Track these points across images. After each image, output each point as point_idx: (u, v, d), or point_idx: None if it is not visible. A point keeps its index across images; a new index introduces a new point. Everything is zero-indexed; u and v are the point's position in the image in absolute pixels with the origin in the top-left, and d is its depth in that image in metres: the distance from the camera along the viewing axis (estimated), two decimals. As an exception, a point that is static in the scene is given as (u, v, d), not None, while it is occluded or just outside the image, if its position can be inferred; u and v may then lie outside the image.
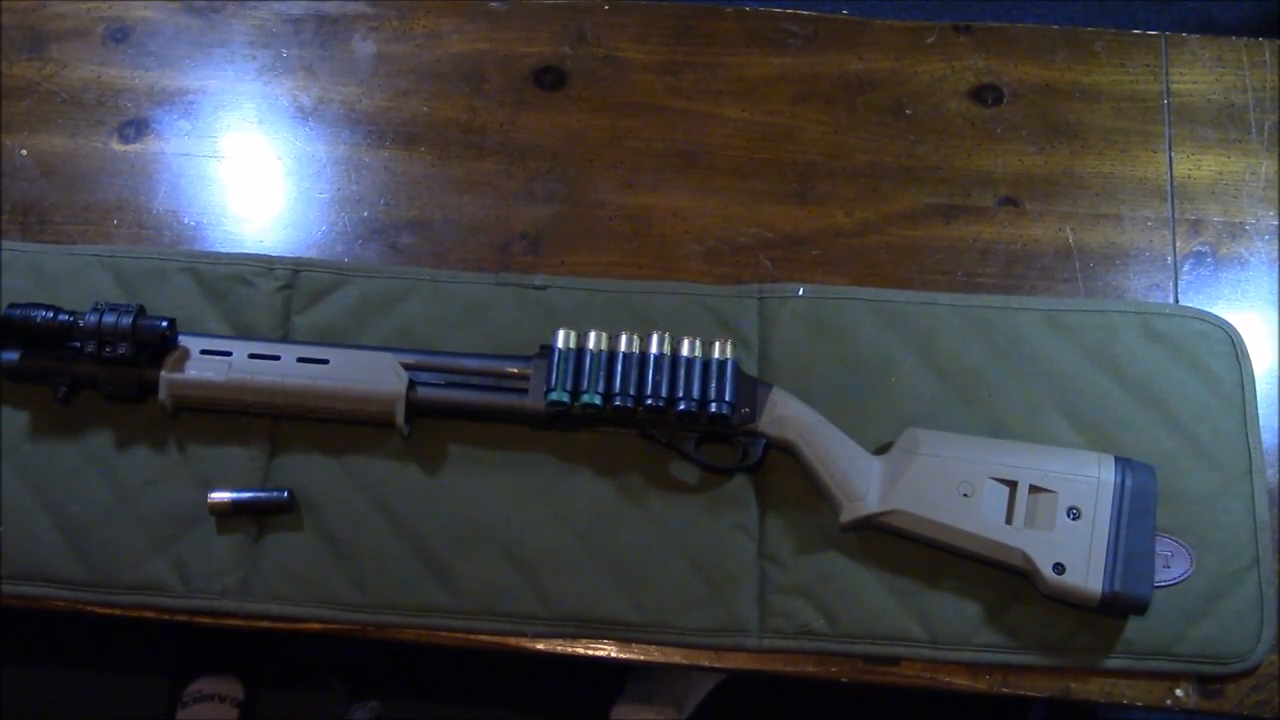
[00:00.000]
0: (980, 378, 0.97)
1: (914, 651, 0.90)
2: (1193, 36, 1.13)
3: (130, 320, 0.92)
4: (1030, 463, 0.89)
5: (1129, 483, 0.88)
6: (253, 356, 0.94)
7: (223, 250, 1.06)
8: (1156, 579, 0.88)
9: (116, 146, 1.11)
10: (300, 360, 0.94)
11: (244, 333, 1.00)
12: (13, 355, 0.95)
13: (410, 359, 0.94)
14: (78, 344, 0.93)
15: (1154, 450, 0.94)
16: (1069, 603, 0.87)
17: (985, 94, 1.12)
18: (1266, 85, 1.11)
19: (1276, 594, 0.90)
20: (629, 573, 0.92)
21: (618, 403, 0.91)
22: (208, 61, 1.15)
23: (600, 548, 0.93)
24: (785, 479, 0.94)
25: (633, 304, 1.01)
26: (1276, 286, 1.04)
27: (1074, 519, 0.87)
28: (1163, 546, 0.91)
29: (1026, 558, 0.86)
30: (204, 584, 0.92)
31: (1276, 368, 1.00)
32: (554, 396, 0.91)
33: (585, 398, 0.91)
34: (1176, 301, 1.03)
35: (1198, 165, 1.08)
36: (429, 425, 0.96)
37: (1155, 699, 0.89)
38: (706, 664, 0.91)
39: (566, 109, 1.12)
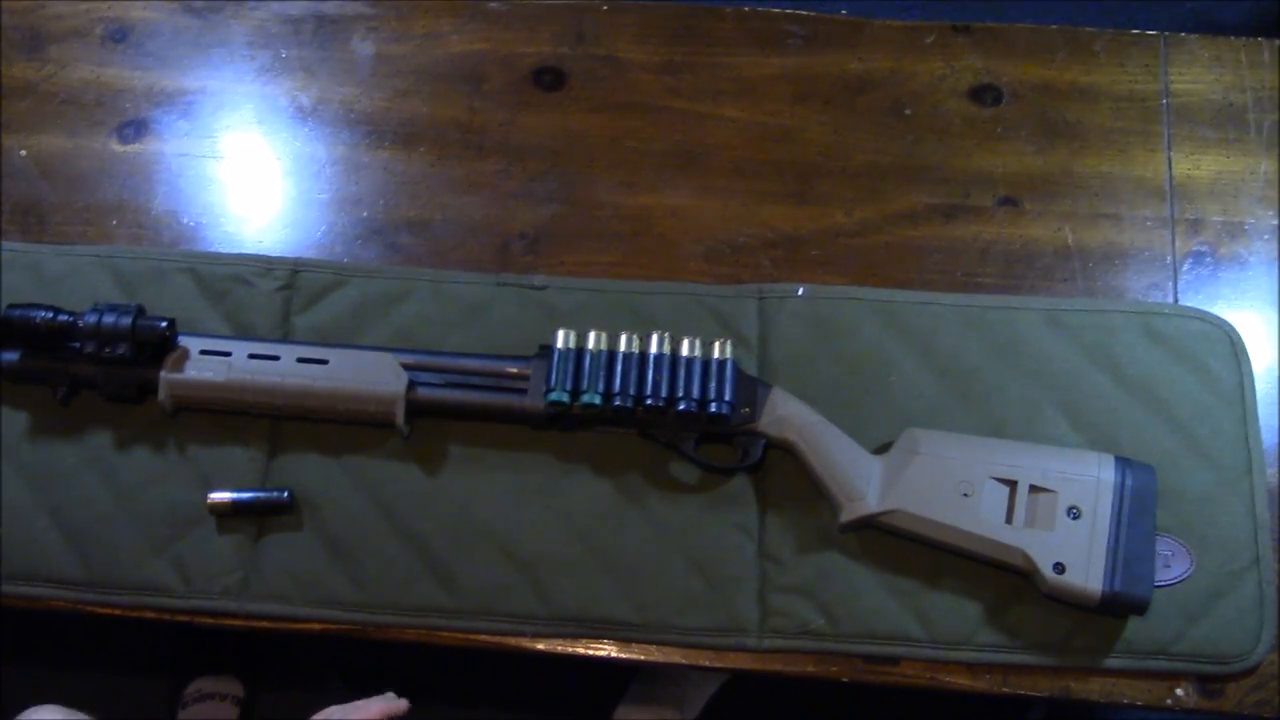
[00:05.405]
0: (980, 378, 0.97)
1: (914, 651, 0.90)
2: (1192, 36, 1.13)
3: (130, 320, 0.92)
4: (1030, 462, 0.89)
5: (1129, 482, 0.88)
6: (252, 357, 0.94)
7: (222, 250, 1.06)
8: (1156, 579, 0.88)
9: (116, 147, 1.11)
10: (300, 360, 0.94)
11: (244, 333, 1.00)
12: (13, 355, 0.95)
13: (410, 359, 0.94)
14: (77, 344, 0.93)
15: (1154, 450, 0.94)
16: (1069, 603, 0.87)
17: (984, 94, 1.12)
18: (1266, 85, 1.11)
19: (1276, 594, 0.90)
20: (629, 573, 0.92)
21: (617, 403, 0.91)
22: (207, 62, 1.15)
23: (600, 548, 0.93)
24: (785, 479, 0.94)
25: (633, 304, 1.01)
26: (1276, 286, 1.04)
27: (1074, 519, 0.86)
28: (1163, 546, 0.91)
29: (1026, 557, 0.86)
30: (204, 584, 0.92)
31: (1276, 368, 1.00)
32: (554, 396, 0.91)
33: (585, 398, 0.91)
34: (1176, 301, 1.03)
35: (1197, 165, 1.08)
36: (429, 425, 0.96)
37: (1155, 699, 0.89)
38: (706, 664, 0.91)
39: (566, 109, 1.12)
